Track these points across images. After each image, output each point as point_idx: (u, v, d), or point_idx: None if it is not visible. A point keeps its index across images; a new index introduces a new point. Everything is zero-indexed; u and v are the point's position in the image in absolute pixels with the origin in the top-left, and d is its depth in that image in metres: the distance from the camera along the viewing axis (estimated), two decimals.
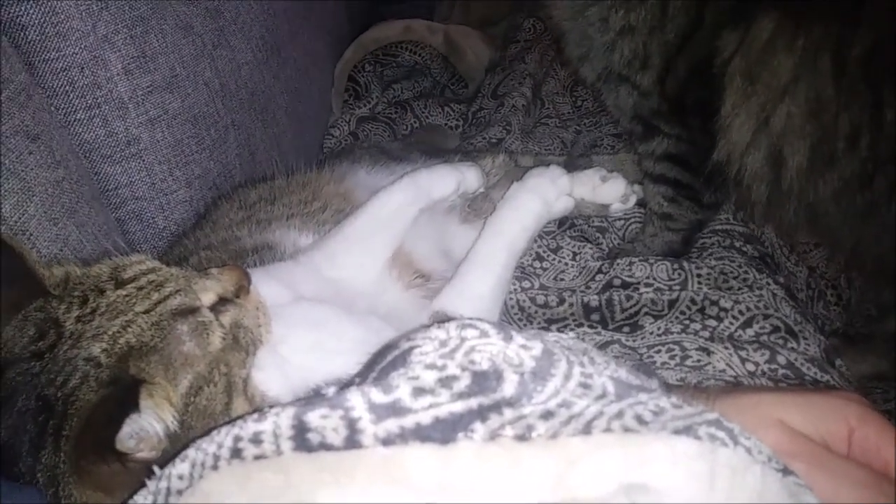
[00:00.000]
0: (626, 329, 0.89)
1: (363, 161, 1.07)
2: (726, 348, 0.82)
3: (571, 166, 1.00)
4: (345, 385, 0.45)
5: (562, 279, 1.00)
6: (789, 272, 1.12)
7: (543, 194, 0.91)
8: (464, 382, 0.39)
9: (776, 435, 0.55)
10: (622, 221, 1.08)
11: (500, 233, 0.88)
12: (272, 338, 0.64)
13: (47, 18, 0.74)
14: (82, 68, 0.77)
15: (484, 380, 0.39)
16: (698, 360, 0.81)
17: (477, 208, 1.02)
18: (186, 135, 0.89)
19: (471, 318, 0.44)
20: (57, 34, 0.75)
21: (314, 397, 0.39)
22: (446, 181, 0.92)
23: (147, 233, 0.88)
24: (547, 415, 0.38)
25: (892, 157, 0.78)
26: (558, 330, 0.91)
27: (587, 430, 0.38)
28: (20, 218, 0.66)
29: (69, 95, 0.77)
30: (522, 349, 0.43)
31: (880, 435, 0.55)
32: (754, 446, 0.42)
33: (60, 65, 0.76)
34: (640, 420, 0.39)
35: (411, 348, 0.43)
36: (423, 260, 0.92)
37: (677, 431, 0.40)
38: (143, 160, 0.84)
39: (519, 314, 0.93)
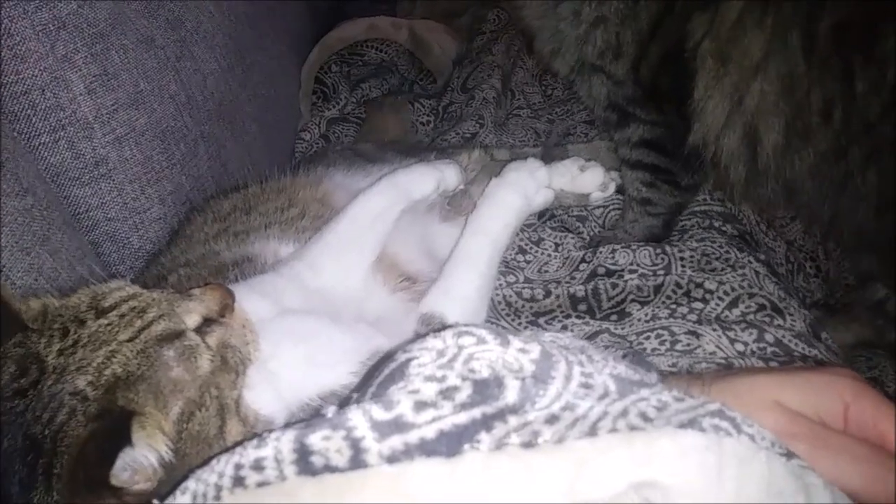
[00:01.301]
0: (613, 317, 0.89)
1: (338, 164, 1.06)
2: (714, 330, 0.82)
3: (548, 158, 1.00)
4: (343, 401, 0.45)
5: (546, 271, 1.00)
6: (768, 248, 1.13)
7: (523, 188, 0.90)
8: (465, 392, 0.38)
9: (774, 416, 0.55)
10: (601, 209, 1.08)
11: (482, 230, 0.87)
12: (261, 355, 0.63)
13: (3, 41, 0.71)
14: (43, 90, 0.74)
15: (485, 388, 0.39)
16: (688, 344, 0.81)
17: (456, 205, 1.01)
18: (155, 151, 0.87)
19: (466, 325, 0.43)
20: (14, 57, 0.72)
21: (314, 419, 0.39)
22: (426, 181, 0.91)
23: (122, 254, 0.86)
24: (552, 419, 0.38)
25: (865, 127, 0.79)
26: (546, 323, 0.91)
27: (593, 431, 0.37)
28: None
29: (31, 119, 0.75)
30: (521, 353, 0.42)
31: (875, 408, 0.56)
32: (757, 433, 0.42)
33: (20, 88, 0.74)
34: (644, 417, 0.39)
35: (409, 360, 0.42)
36: (407, 262, 0.91)
37: (682, 425, 0.39)
38: (113, 180, 0.82)
39: (506, 309, 0.93)
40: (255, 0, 1.26)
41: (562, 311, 0.91)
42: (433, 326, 0.81)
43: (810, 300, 1.16)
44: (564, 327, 0.89)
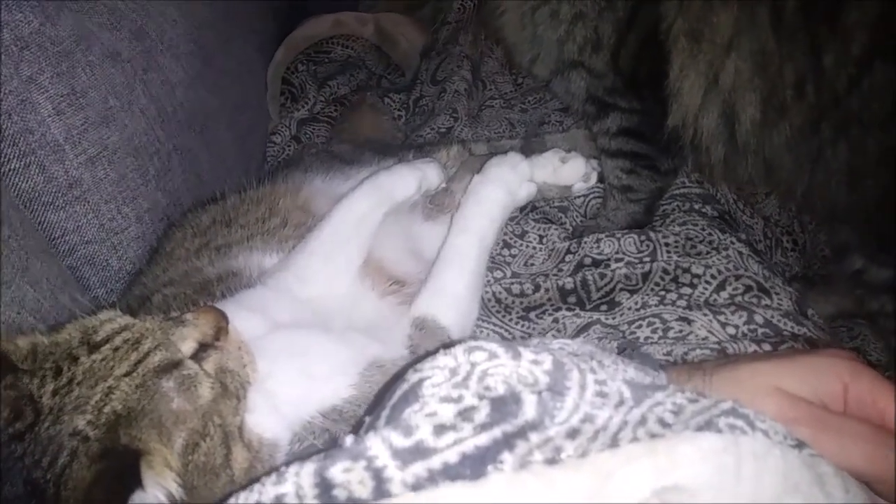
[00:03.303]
0: (603, 308, 0.90)
1: (315, 168, 1.04)
2: (705, 315, 0.83)
3: (528, 150, 1.00)
4: (356, 426, 0.44)
5: (532, 264, 1.00)
6: (746, 225, 1.14)
7: (506, 183, 0.90)
8: (484, 412, 0.38)
9: (777, 403, 0.56)
10: (582, 198, 1.08)
11: (468, 229, 0.87)
12: (258, 375, 0.62)
13: None
14: (10, 115, 0.72)
15: (503, 405, 0.38)
16: (680, 331, 0.82)
17: (439, 203, 1.01)
18: (129, 168, 0.85)
19: (476, 340, 0.43)
20: None
21: (332, 449, 0.38)
22: (407, 181, 0.90)
23: (102, 276, 0.84)
24: (573, 433, 0.38)
25: (833, 101, 0.80)
26: (537, 317, 0.91)
27: (615, 442, 0.37)
28: None
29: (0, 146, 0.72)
30: (533, 365, 0.42)
31: (873, 388, 0.57)
32: (770, 428, 0.43)
33: None
34: (662, 423, 0.39)
35: (421, 380, 0.41)
36: (394, 264, 0.90)
37: (699, 428, 0.40)
38: (88, 202, 0.80)
39: (496, 306, 0.93)
40: (217, 3, 1.23)
41: (552, 305, 0.91)
42: (427, 329, 0.81)
43: (789, 274, 1.18)
44: (555, 320, 0.89)
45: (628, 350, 0.72)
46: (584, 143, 1.07)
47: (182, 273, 0.84)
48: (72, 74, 0.76)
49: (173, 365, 0.53)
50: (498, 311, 0.92)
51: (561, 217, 1.06)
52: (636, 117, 0.92)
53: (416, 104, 1.50)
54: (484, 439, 0.37)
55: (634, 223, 1.01)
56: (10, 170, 0.73)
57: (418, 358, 0.44)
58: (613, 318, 0.88)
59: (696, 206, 1.03)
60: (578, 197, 1.07)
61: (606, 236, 0.96)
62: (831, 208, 0.88)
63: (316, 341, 0.71)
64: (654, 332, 0.83)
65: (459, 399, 0.39)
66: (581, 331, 0.86)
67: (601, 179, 1.04)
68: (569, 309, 0.90)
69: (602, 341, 0.82)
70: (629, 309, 0.88)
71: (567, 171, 0.95)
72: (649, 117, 0.90)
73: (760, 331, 0.80)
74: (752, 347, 0.77)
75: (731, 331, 0.81)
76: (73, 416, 0.48)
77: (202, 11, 1.14)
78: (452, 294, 0.83)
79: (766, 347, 0.77)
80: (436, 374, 0.41)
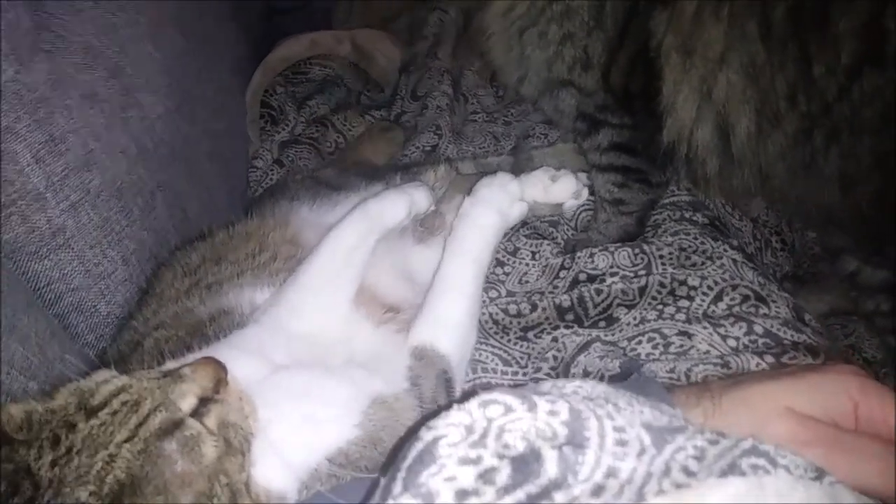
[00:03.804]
0: (601, 324, 0.89)
1: (302, 197, 1.03)
2: (705, 328, 0.83)
3: (517, 169, 0.99)
4: (371, 489, 0.43)
5: (526, 281, 0.99)
6: (736, 228, 1.14)
7: (497, 205, 0.89)
8: (505, 473, 0.37)
9: (789, 425, 0.55)
10: (571, 212, 1.07)
11: (462, 253, 0.86)
12: (260, 424, 0.60)
13: None
14: None
15: (524, 465, 0.38)
16: (681, 346, 0.82)
17: (429, 225, 1.00)
18: (113, 210, 0.83)
19: (490, 393, 0.42)
20: None
21: None
22: (397, 207, 0.89)
23: (91, 323, 0.82)
24: (598, 490, 0.37)
25: (825, 109, 0.80)
26: (535, 336, 0.90)
27: (641, 496, 0.37)
28: None
29: None
30: (550, 416, 0.41)
31: (883, 403, 0.57)
32: (791, 463, 0.42)
33: None
34: (687, 471, 0.39)
35: (436, 439, 0.40)
36: (387, 292, 0.89)
37: (723, 473, 0.39)
38: (73, 248, 0.78)
39: (494, 328, 0.92)
40: (191, 31, 1.21)
41: (549, 323, 0.91)
42: (427, 359, 0.80)
43: (780, 274, 1.18)
44: (554, 339, 0.88)
45: (634, 375, 0.71)
46: (571, 156, 1.07)
47: (173, 314, 0.83)
48: (50, 120, 0.74)
49: (175, 425, 0.51)
50: (496, 333, 0.92)
51: (552, 232, 1.06)
52: (627, 132, 0.92)
53: (398, 120, 1.49)
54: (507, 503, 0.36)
55: (626, 235, 1.01)
56: None
57: (430, 414, 0.43)
58: (613, 335, 0.87)
59: (687, 215, 1.03)
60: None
61: (600, 251, 0.96)
62: (825, 213, 0.89)
63: (316, 382, 0.70)
64: (654, 347, 0.83)
65: (479, 460, 0.38)
66: (581, 349, 0.85)
67: (591, 192, 1.03)
68: (567, 327, 0.90)
69: (604, 360, 0.81)
70: (628, 324, 0.87)
71: (558, 188, 0.94)
72: (640, 132, 0.90)
73: (761, 341, 0.80)
74: (755, 360, 0.76)
75: (732, 343, 0.80)
76: (75, 488, 0.47)
77: (177, 41, 1.12)
78: (450, 321, 0.82)
79: (769, 359, 0.76)
80: (451, 432, 0.40)
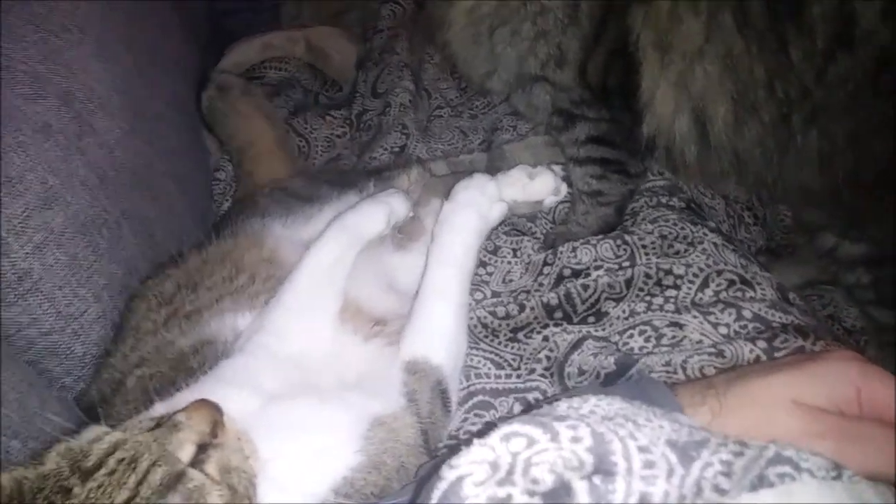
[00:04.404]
0: (591, 319, 0.89)
1: (273, 213, 1.00)
2: (695, 317, 0.83)
3: (492, 168, 0.97)
4: None
5: (511, 279, 0.98)
6: (710, 207, 1.15)
7: (476, 207, 0.88)
8: None
9: (797, 418, 0.56)
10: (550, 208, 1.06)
11: (445, 260, 0.84)
12: (260, 463, 0.58)
13: None
14: None
15: (555, 499, 0.37)
16: (673, 337, 0.82)
17: (408, 232, 0.98)
18: (80, 247, 0.79)
19: (510, 425, 0.41)
20: None
21: None
22: (375, 218, 0.87)
23: (66, 366, 0.78)
24: None
25: (803, 93, 0.81)
26: (525, 336, 0.89)
27: None
28: None
29: None
30: (574, 444, 0.40)
31: (885, 387, 0.57)
32: (813, 465, 0.42)
33: None
34: (718, 489, 0.38)
35: (460, 479, 0.39)
36: (372, 304, 0.87)
37: (753, 486, 0.39)
38: (42, 291, 0.74)
39: (483, 331, 0.91)
40: (137, 44, 1.16)
41: (539, 323, 0.90)
42: (420, 372, 0.78)
43: (755, 248, 1.19)
44: (545, 338, 0.87)
45: (635, 376, 0.71)
46: (544, 149, 1.05)
47: (153, 349, 0.80)
48: (4, 161, 0.70)
49: (176, 479, 0.49)
50: (486, 337, 0.90)
51: (531, 227, 1.05)
52: (605, 125, 0.91)
53: (360, 119, 1.46)
54: None
55: (606, 226, 1.00)
56: None
57: (450, 452, 0.42)
58: (603, 330, 0.87)
59: (664, 200, 1.03)
60: None
61: (582, 244, 0.95)
62: (803, 192, 0.90)
63: (310, 410, 0.68)
64: (647, 340, 0.83)
65: (509, 499, 0.37)
66: (574, 347, 0.84)
67: (569, 184, 1.02)
68: (556, 325, 0.89)
69: (598, 357, 0.81)
70: (618, 318, 0.87)
71: (536, 186, 0.93)
72: (618, 125, 0.90)
73: (751, 326, 0.81)
74: (748, 346, 0.77)
75: (724, 330, 0.81)
76: None
77: (124, 57, 1.07)
78: (440, 330, 0.81)
79: (761, 344, 0.77)
80: (475, 469, 0.39)
